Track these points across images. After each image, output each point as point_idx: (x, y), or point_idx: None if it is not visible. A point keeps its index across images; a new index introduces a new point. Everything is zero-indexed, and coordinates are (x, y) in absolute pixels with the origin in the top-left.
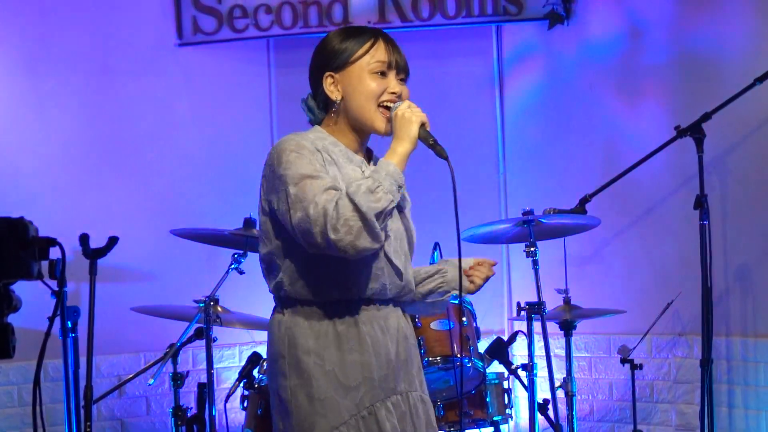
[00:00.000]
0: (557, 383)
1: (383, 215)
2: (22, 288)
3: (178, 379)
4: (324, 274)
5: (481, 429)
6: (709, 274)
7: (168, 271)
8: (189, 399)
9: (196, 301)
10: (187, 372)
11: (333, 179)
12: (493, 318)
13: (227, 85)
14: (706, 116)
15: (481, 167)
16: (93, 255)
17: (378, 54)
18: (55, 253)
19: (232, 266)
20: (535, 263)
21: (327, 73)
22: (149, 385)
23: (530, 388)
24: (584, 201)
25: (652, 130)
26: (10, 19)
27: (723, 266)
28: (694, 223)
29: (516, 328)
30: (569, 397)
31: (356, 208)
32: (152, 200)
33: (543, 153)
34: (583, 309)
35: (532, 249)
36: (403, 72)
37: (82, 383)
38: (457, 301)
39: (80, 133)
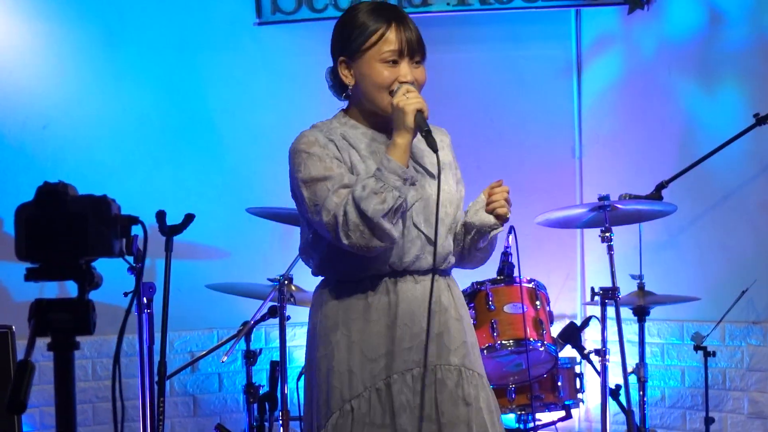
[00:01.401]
0: (629, 369)
1: (391, 213)
2: (98, 262)
3: (250, 357)
4: (354, 257)
5: (552, 413)
6: None
7: (242, 249)
8: (261, 377)
9: (270, 280)
10: (260, 350)
11: (343, 174)
12: (566, 302)
13: (305, 66)
14: None
15: (558, 152)
16: (169, 232)
17: (389, 42)
18: (135, 229)
19: None
20: (610, 248)
21: (341, 58)
22: (222, 362)
23: (602, 373)
24: (660, 187)
25: (730, 118)
26: None
27: None
28: None
29: (589, 313)
30: (641, 382)
31: (362, 215)
32: (228, 178)
33: (620, 138)
34: (657, 295)
35: (607, 234)
36: (418, 54)
37: (156, 359)
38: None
39: (157, 109)
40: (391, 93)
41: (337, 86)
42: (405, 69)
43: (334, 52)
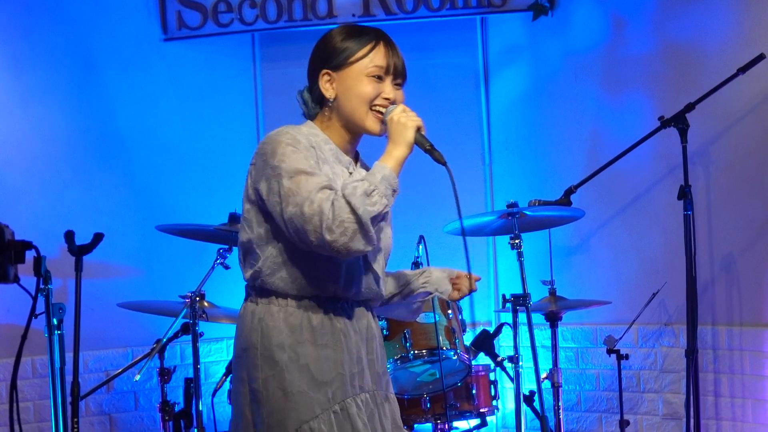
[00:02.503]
0: (543, 374)
1: (378, 219)
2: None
3: (165, 374)
4: (305, 269)
5: (468, 421)
6: (694, 263)
7: (154, 266)
8: (177, 394)
9: (182, 297)
10: (174, 367)
11: (327, 178)
12: (479, 310)
13: (213, 80)
14: (690, 106)
15: (467, 159)
16: (78, 252)
17: (377, 58)
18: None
19: (218, 261)
20: (520, 255)
21: (324, 70)
22: (136, 380)
23: (516, 380)
24: (569, 192)
25: (636, 121)
26: None
27: (708, 256)
28: (679, 213)
29: (502, 320)
30: (555, 388)
31: (353, 211)
32: (137, 196)
33: (528, 144)
34: (569, 300)
35: (517, 241)
36: (401, 77)
37: (69, 379)
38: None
39: (65, 129)
40: (372, 110)
41: (313, 102)
42: (388, 87)
43: (314, 68)
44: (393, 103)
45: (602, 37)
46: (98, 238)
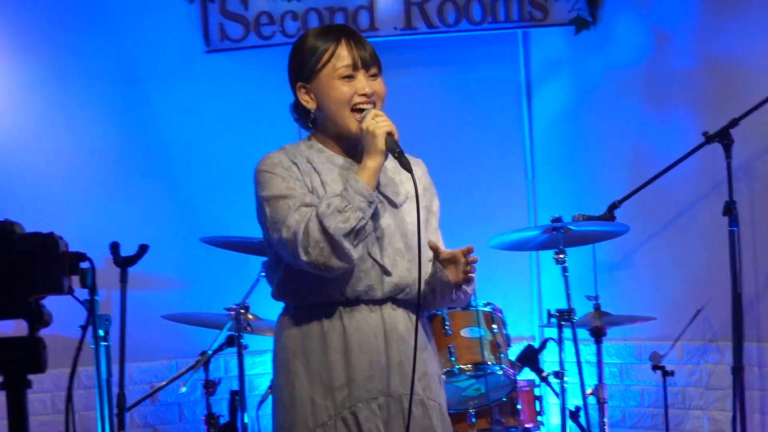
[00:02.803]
0: (588, 390)
1: (353, 234)
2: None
3: (210, 387)
4: (308, 280)
5: None
6: (739, 280)
7: (198, 278)
8: (221, 406)
9: (226, 309)
10: (219, 379)
11: (305, 194)
12: (523, 325)
13: (255, 92)
14: (734, 122)
15: (510, 174)
16: (124, 263)
17: (341, 58)
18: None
19: (262, 274)
20: (564, 270)
21: (299, 84)
22: (181, 393)
23: (561, 395)
24: (613, 207)
25: (680, 137)
26: (39, 27)
27: (753, 272)
28: (724, 229)
29: (546, 335)
30: (601, 403)
31: (324, 230)
32: (182, 208)
33: (572, 159)
34: (614, 316)
35: (561, 256)
36: (374, 67)
37: (115, 391)
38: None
39: (109, 141)
40: (354, 110)
41: (302, 115)
42: (362, 81)
43: (292, 82)
44: (371, 96)
45: (645, 51)
46: (143, 249)
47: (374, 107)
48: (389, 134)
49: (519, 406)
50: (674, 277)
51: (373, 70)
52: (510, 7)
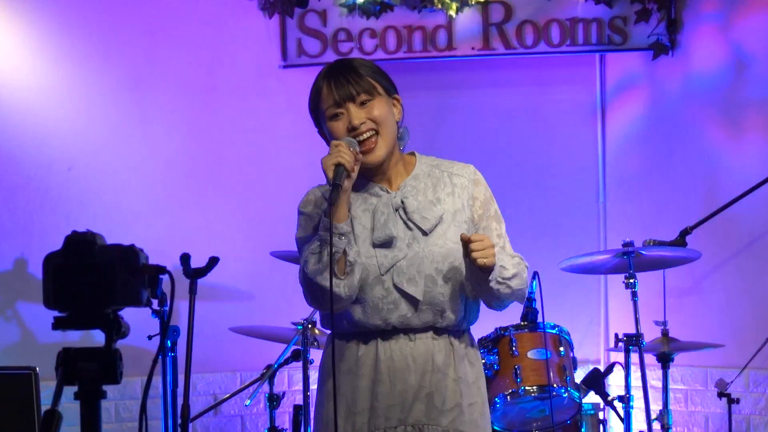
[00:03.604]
0: (653, 415)
1: (328, 270)
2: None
3: (274, 400)
4: (343, 314)
5: None
6: None
7: (266, 292)
8: (284, 420)
9: (293, 323)
10: (283, 393)
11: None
12: (590, 348)
13: None
14: None
15: (581, 196)
16: (193, 275)
17: (325, 100)
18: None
19: None
20: (634, 294)
21: (320, 132)
22: (245, 405)
23: (626, 420)
24: (685, 233)
25: (754, 164)
26: (117, 37)
27: None
28: None
29: (613, 359)
30: (665, 429)
31: (305, 276)
32: (252, 221)
33: (644, 184)
34: (681, 342)
35: (631, 281)
36: (362, 94)
37: (179, 401)
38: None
39: (183, 153)
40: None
41: None
42: (352, 114)
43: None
44: (359, 127)
45: (723, 78)
46: (213, 261)
47: (378, 132)
48: (338, 165)
49: (583, 429)
50: (744, 305)
51: (362, 98)
52: (588, 30)
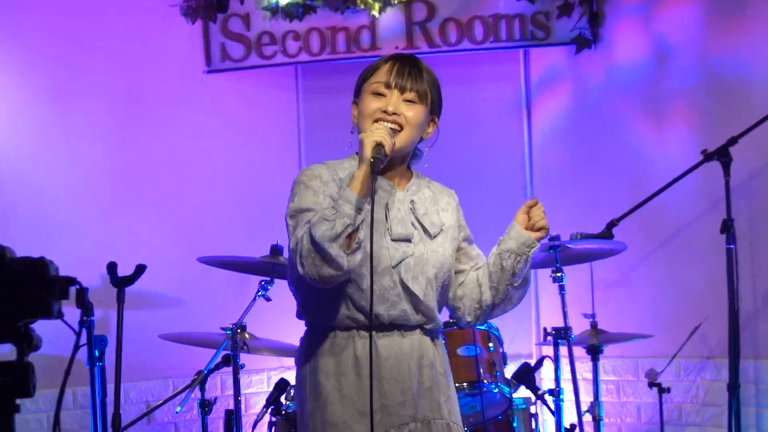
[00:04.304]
0: (584, 408)
1: (339, 239)
2: None
3: (205, 406)
4: (339, 300)
5: None
6: (736, 297)
7: (195, 298)
8: (217, 425)
9: (223, 328)
10: (215, 398)
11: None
12: (520, 343)
13: (255, 112)
14: (733, 140)
15: (510, 191)
16: (121, 283)
17: (379, 75)
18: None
19: (259, 293)
20: (561, 288)
21: (354, 100)
22: (177, 412)
23: (557, 413)
24: (611, 225)
25: (678, 154)
26: (39, 47)
27: (751, 289)
28: (721, 247)
29: (544, 353)
30: (596, 421)
31: (312, 239)
32: (180, 227)
33: (570, 177)
34: (610, 333)
35: (558, 274)
36: (410, 92)
37: (110, 410)
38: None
39: (108, 161)
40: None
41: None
42: (391, 101)
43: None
44: (392, 114)
45: (645, 69)
46: (140, 269)
47: (401, 129)
48: (379, 144)
49: (515, 424)
50: (672, 295)
51: (409, 96)
52: (511, 26)
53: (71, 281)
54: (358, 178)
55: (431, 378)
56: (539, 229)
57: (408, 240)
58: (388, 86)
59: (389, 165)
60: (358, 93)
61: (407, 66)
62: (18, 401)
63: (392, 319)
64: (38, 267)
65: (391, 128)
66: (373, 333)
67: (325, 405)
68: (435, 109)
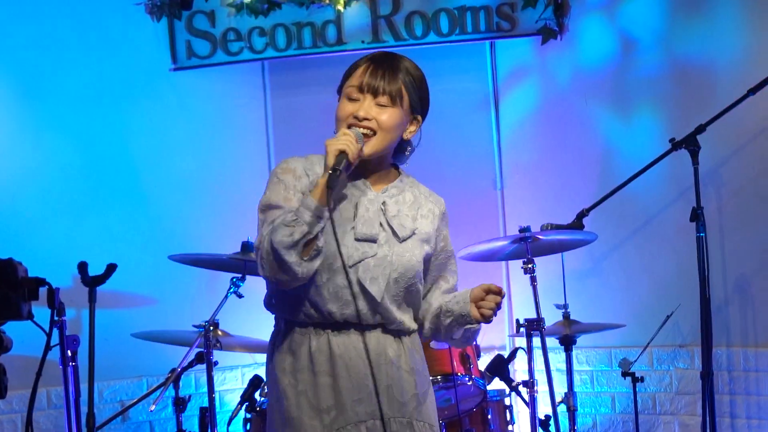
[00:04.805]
0: (559, 398)
1: (296, 247)
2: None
3: (180, 404)
4: (296, 296)
5: None
6: (707, 285)
7: (167, 296)
8: (192, 423)
9: (195, 326)
10: (189, 396)
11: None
12: (493, 335)
13: (223, 109)
14: (701, 128)
15: (479, 184)
16: (92, 282)
17: (353, 78)
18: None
19: (231, 290)
20: (533, 279)
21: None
22: (151, 411)
23: (531, 405)
24: (581, 216)
25: (647, 143)
26: (5, 46)
27: (721, 277)
28: (691, 235)
29: (516, 345)
30: (571, 411)
31: (270, 244)
32: (150, 226)
33: (539, 168)
34: (583, 324)
35: (530, 266)
36: (384, 96)
37: (84, 410)
38: None
39: (76, 159)
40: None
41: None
42: (362, 106)
43: None
44: (362, 120)
45: (611, 59)
46: (111, 268)
47: (375, 134)
48: (342, 152)
49: (489, 417)
50: (643, 284)
51: (382, 99)
52: (477, 18)
53: (41, 282)
54: (320, 185)
55: (390, 376)
56: (483, 315)
57: (372, 240)
58: (361, 90)
59: (364, 165)
60: (338, 95)
61: (381, 68)
62: None
63: (345, 318)
64: (7, 268)
65: (363, 133)
66: (328, 331)
67: (281, 399)
68: (416, 109)
